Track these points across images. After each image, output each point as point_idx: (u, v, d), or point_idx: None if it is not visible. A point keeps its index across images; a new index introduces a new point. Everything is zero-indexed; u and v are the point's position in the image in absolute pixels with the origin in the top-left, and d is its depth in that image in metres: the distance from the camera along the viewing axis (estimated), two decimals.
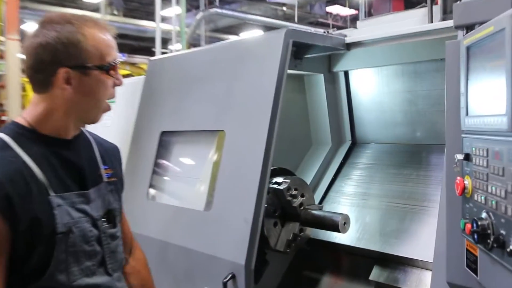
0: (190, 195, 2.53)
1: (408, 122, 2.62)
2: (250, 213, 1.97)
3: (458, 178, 1.22)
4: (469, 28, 1.31)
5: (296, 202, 2.32)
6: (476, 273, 1.18)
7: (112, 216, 1.38)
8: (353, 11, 13.87)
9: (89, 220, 1.29)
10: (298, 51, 2.49)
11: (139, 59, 14.26)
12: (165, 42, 11.44)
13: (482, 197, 1.10)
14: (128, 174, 1.60)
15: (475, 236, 1.08)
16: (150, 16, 12.37)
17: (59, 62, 1.23)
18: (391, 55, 2.43)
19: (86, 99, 1.29)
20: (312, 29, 2.44)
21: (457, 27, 1.35)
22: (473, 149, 1.16)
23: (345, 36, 2.44)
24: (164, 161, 2.65)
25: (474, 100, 1.17)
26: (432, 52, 2.22)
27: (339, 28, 3.70)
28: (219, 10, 11.84)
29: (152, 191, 2.59)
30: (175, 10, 10.66)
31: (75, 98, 1.27)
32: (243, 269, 1.94)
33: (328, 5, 14.04)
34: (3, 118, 7.73)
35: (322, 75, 2.79)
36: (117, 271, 1.37)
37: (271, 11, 14.10)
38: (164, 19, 11.43)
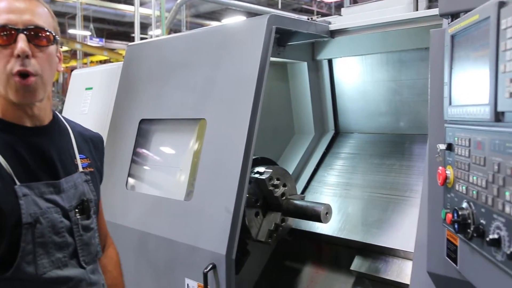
0: (171, 185, 2.49)
1: (392, 111, 2.61)
2: (231, 203, 1.95)
3: (440, 168, 1.21)
4: (454, 16, 1.28)
5: (278, 192, 2.30)
6: (456, 263, 1.18)
7: (87, 207, 1.33)
8: None
9: (59, 211, 1.24)
10: (281, 38, 2.45)
11: (117, 44, 14.02)
12: (145, 27, 11.22)
13: (464, 187, 1.09)
14: (106, 163, 1.54)
15: (456, 226, 1.08)
16: None
17: None
18: (376, 43, 2.40)
19: None
20: (295, 16, 2.40)
21: (442, 15, 1.33)
22: (456, 139, 1.14)
23: (329, 23, 2.41)
24: (143, 150, 2.59)
25: (457, 90, 1.15)
26: (417, 40, 2.20)
27: (323, 15, 3.66)
28: None
29: (131, 180, 2.54)
30: None
31: None
32: (224, 259, 1.92)
33: None
34: None
35: (305, 63, 2.75)
36: (91, 264, 1.33)
37: None
38: (143, 3, 11.18)
